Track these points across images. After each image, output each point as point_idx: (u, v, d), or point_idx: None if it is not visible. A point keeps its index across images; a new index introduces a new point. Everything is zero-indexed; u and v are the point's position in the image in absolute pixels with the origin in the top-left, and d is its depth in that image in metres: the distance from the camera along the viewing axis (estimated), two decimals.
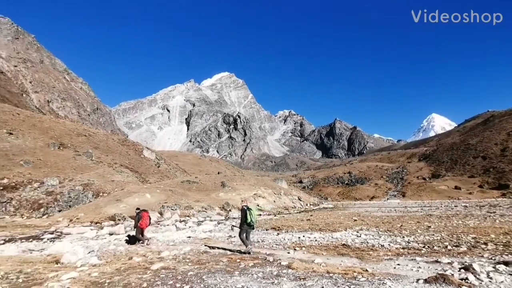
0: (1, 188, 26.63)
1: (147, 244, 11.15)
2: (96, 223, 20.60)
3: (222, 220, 23.11)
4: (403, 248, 9.62)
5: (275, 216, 26.96)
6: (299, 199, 44.69)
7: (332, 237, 12.64)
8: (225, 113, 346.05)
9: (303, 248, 10.16)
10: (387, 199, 62.40)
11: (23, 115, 46.51)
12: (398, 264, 7.45)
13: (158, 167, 56.65)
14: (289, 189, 52.29)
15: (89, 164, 39.02)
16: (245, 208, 9.22)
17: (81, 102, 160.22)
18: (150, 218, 11.75)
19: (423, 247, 9.73)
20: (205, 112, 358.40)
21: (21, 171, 30.59)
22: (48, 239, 13.65)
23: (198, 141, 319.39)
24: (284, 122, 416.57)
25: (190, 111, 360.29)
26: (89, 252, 8.21)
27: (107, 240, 12.92)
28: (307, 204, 43.89)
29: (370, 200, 62.59)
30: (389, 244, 10.36)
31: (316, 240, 11.89)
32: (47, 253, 9.77)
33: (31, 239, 13.76)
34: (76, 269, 6.99)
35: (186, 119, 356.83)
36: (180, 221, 20.92)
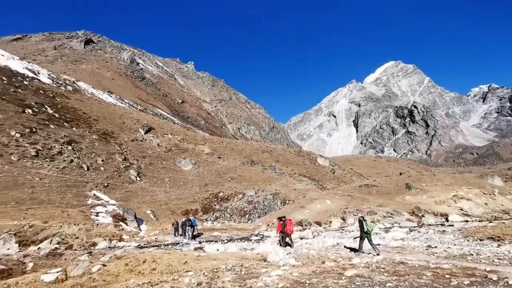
0: (220, 199, 35.02)
1: (289, 247, 12.25)
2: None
3: (414, 227, 20.30)
4: None
5: (490, 222, 20.93)
6: None
7: None
8: (397, 107, 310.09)
9: None
10: None
11: (225, 142, 60.07)
12: None
13: (333, 173, 57.57)
14: (507, 187, 39.50)
15: (274, 176, 44.92)
16: (361, 218, 10.63)
17: (261, 124, 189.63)
18: (292, 225, 13.12)
19: None
20: (372, 110, 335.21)
21: (229, 185, 39.17)
22: (255, 240, 16.51)
23: (370, 142, 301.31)
24: (483, 101, 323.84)
25: (357, 112, 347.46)
26: (287, 254, 9.20)
27: (299, 243, 14.14)
28: None
29: None
30: None
31: None
32: (256, 252, 11.77)
33: (243, 240, 17.10)
34: (279, 267, 7.98)
35: (353, 121, 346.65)
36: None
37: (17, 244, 14.91)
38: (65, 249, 14.27)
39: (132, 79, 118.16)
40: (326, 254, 10.48)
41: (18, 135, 30.51)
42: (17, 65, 55.40)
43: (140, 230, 23.55)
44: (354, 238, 12.69)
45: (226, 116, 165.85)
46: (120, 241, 17.95)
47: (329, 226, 22.69)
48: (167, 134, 51.75)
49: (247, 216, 32.07)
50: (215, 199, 34.82)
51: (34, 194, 23.68)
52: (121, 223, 23.42)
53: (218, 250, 12.46)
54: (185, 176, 40.82)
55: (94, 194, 28.19)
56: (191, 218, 20.66)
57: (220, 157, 49.01)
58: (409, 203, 28.15)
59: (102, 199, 27.87)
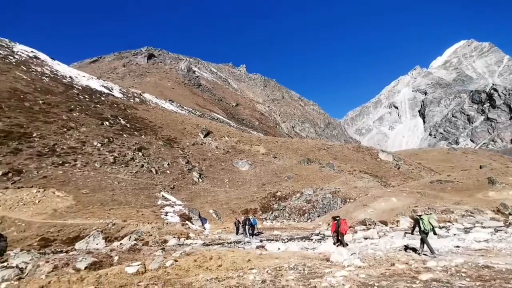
0: (278, 199, 35.18)
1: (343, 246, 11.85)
2: (350, 227, 22.13)
3: (500, 226, 17.73)
4: None
5: None
6: None
7: None
8: (472, 91, 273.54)
9: None
10: None
11: (280, 142, 60.17)
12: None
13: (398, 168, 53.44)
14: None
15: (333, 174, 43.47)
16: (417, 217, 10.40)
17: (315, 121, 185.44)
18: (347, 224, 12.86)
19: None
20: (442, 97, 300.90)
21: (286, 184, 39.09)
22: (316, 240, 16.21)
23: (441, 133, 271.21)
24: None
25: (422, 101, 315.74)
26: (352, 254, 8.83)
27: (363, 243, 13.45)
28: None
29: None
30: None
31: None
32: (318, 252, 11.54)
33: (304, 239, 16.92)
34: (344, 268, 7.70)
35: (419, 111, 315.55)
36: (440, 227, 18.17)
37: (103, 240, 17.05)
38: (142, 245, 15.85)
39: (189, 86, 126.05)
40: (395, 255, 9.78)
41: (99, 144, 34.90)
42: (95, 84, 63.45)
43: (205, 229, 24.95)
44: (405, 232, 12.20)
45: (279, 115, 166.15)
46: (187, 238, 19.27)
47: (397, 225, 21.11)
48: (224, 137, 53.89)
49: (306, 215, 31.65)
50: (273, 198, 35.10)
51: (114, 196, 26.82)
52: (187, 222, 25.13)
53: (279, 249, 12.54)
54: (243, 176, 42.00)
55: (163, 195, 30.76)
56: (251, 217, 21.16)
57: (275, 157, 49.26)
58: (493, 200, 24.69)
59: (170, 200, 30.26)
